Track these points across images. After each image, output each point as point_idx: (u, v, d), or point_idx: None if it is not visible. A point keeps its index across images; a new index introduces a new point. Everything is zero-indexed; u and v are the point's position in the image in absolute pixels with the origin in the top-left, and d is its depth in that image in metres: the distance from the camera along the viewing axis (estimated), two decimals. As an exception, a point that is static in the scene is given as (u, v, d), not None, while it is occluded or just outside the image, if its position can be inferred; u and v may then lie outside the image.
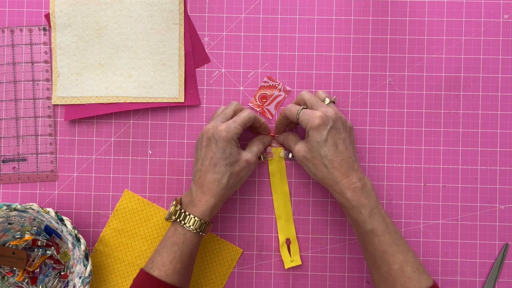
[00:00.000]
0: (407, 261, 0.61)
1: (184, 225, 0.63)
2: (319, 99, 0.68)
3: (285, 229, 0.71)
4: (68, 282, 0.69)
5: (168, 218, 0.65)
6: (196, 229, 0.63)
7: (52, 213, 0.66)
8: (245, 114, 0.66)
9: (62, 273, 0.71)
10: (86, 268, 0.65)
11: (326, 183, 0.64)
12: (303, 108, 0.66)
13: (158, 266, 0.62)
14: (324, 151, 0.63)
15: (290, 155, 0.72)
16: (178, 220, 0.64)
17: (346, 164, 0.63)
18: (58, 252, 0.71)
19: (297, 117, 0.66)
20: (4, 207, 0.65)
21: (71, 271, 0.69)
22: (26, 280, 0.70)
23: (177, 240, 0.63)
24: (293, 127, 0.73)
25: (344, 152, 0.63)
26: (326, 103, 0.67)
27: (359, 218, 0.62)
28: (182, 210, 0.64)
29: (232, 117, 0.67)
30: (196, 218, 0.63)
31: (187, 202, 0.65)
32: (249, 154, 0.67)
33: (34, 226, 0.70)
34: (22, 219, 0.69)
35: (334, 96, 0.69)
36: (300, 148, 0.66)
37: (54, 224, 0.68)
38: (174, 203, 0.66)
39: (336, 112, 0.65)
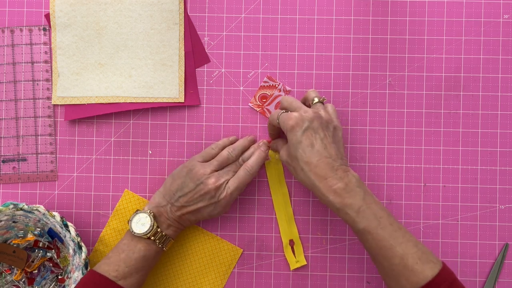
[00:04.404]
0: (407, 253, 0.58)
1: (164, 247, 0.66)
2: (307, 98, 0.68)
3: (287, 230, 0.71)
4: (64, 287, 0.69)
5: (148, 235, 0.65)
6: (165, 247, 0.66)
7: (58, 217, 0.66)
8: (224, 156, 0.68)
9: (59, 277, 0.70)
10: None
11: (307, 186, 0.63)
12: (283, 112, 0.65)
13: (122, 273, 0.64)
14: (299, 153, 0.62)
15: None
16: (157, 242, 0.65)
17: (323, 165, 0.61)
18: (58, 256, 0.71)
19: (278, 122, 0.65)
20: (11, 206, 0.65)
21: (69, 276, 0.69)
22: (23, 279, 0.70)
23: (148, 254, 0.65)
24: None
25: (322, 152, 0.61)
26: (314, 102, 0.66)
27: (347, 218, 0.60)
28: (163, 233, 0.66)
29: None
30: (171, 239, 0.67)
31: (159, 215, 0.66)
32: (234, 194, 0.67)
33: (38, 227, 0.70)
34: (27, 219, 0.69)
35: (323, 97, 0.68)
36: (282, 152, 0.66)
37: (58, 228, 0.68)
38: (151, 222, 0.65)
39: (316, 112, 0.63)
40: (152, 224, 0.65)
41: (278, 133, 0.71)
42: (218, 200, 0.66)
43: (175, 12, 0.72)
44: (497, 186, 0.72)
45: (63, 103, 0.72)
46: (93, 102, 0.72)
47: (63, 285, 0.70)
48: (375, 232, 0.59)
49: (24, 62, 0.73)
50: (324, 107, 0.66)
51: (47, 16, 0.72)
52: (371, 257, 0.63)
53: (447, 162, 0.72)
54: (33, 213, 0.67)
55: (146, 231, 0.64)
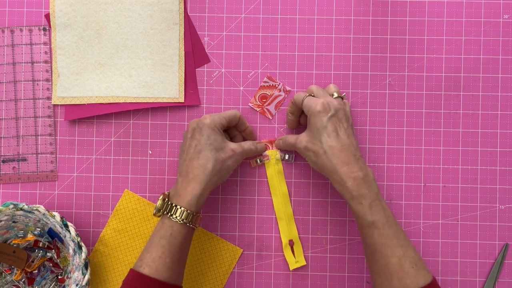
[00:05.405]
0: (406, 256, 0.59)
1: (171, 217, 0.62)
2: (327, 92, 0.68)
3: (287, 230, 0.71)
4: (64, 287, 0.69)
5: (155, 213, 0.64)
6: (183, 220, 0.62)
7: (58, 217, 0.66)
8: (230, 111, 0.69)
9: (59, 277, 0.70)
10: (84, 277, 0.65)
11: (326, 172, 0.64)
12: (310, 95, 0.66)
13: (148, 263, 0.60)
14: (324, 137, 0.63)
15: (287, 157, 0.72)
16: (165, 212, 0.63)
17: (346, 151, 0.62)
18: (58, 256, 0.71)
19: (302, 103, 0.66)
20: (11, 206, 0.65)
21: (69, 276, 0.69)
22: (23, 279, 0.70)
23: (164, 233, 0.62)
24: (304, 122, 0.72)
25: (345, 140, 0.63)
26: (334, 97, 0.67)
27: (359, 209, 0.61)
28: (169, 202, 0.63)
29: None
30: (182, 208, 0.62)
31: (173, 194, 0.64)
32: (235, 145, 0.67)
33: (38, 227, 0.70)
34: (27, 219, 0.69)
35: (344, 93, 0.69)
36: (301, 138, 0.66)
37: (58, 228, 0.68)
38: (161, 197, 0.64)
39: (340, 103, 0.65)
40: (160, 198, 0.64)
41: (298, 115, 0.71)
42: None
43: (175, 12, 0.72)
44: (497, 186, 0.72)
45: (63, 103, 0.72)
46: (93, 102, 0.72)
47: (63, 285, 0.70)
48: (382, 228, 0.60)
49: (24, 62, 0.73)
50: (344, 103, 0.67)
51: (47, 16, 0.72)
52: (367, 254, 0.63)
53: (447, 162, 0.72)
54: (33, 213, 0.67)
55: (156, 207, 0.64)
